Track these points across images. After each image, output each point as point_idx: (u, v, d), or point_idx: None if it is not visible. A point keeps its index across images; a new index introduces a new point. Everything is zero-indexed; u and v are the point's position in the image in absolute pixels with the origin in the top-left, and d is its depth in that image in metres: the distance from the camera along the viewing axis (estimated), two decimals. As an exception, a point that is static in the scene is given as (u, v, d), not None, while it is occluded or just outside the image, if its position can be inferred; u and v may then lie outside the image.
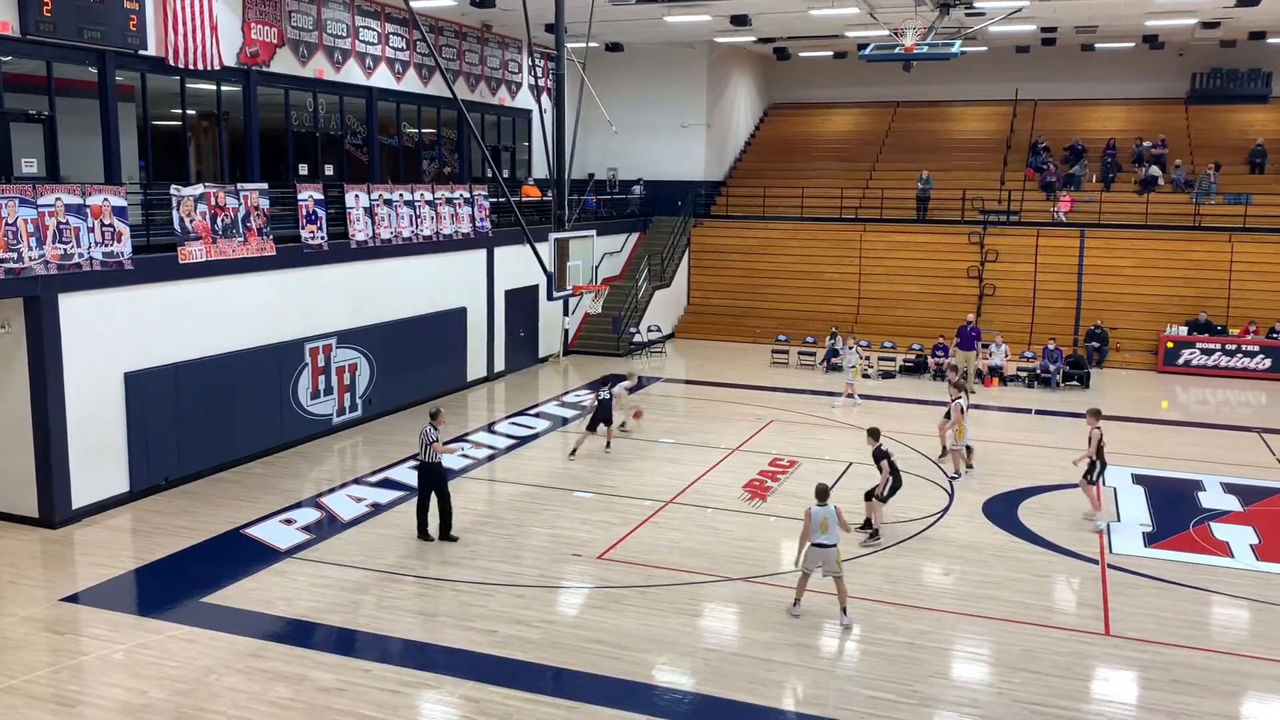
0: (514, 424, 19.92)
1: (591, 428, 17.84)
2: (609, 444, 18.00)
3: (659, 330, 28.87)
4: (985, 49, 31.92)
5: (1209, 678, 9.95)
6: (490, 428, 19.68)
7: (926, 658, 10.32)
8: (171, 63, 16.47)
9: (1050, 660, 10.27)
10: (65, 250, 13.55)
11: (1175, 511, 15.01)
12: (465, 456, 17.49)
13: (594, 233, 18.39)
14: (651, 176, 32.08)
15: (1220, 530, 14.22)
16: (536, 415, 20.70)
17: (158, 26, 16.24)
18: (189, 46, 16.63)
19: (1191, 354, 25.93)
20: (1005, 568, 12.76)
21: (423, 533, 13.50)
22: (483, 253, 23.30)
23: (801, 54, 34.28)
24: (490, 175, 24.70)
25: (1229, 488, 16.15)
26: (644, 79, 31.34)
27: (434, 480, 13.45)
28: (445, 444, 14.18)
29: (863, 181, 32.76)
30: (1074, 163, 31.28)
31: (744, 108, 35.82)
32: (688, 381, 25.25)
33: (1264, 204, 28.30)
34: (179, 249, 15.40)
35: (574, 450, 17.65)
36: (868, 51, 19.95)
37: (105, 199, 14.09)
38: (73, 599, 11.54)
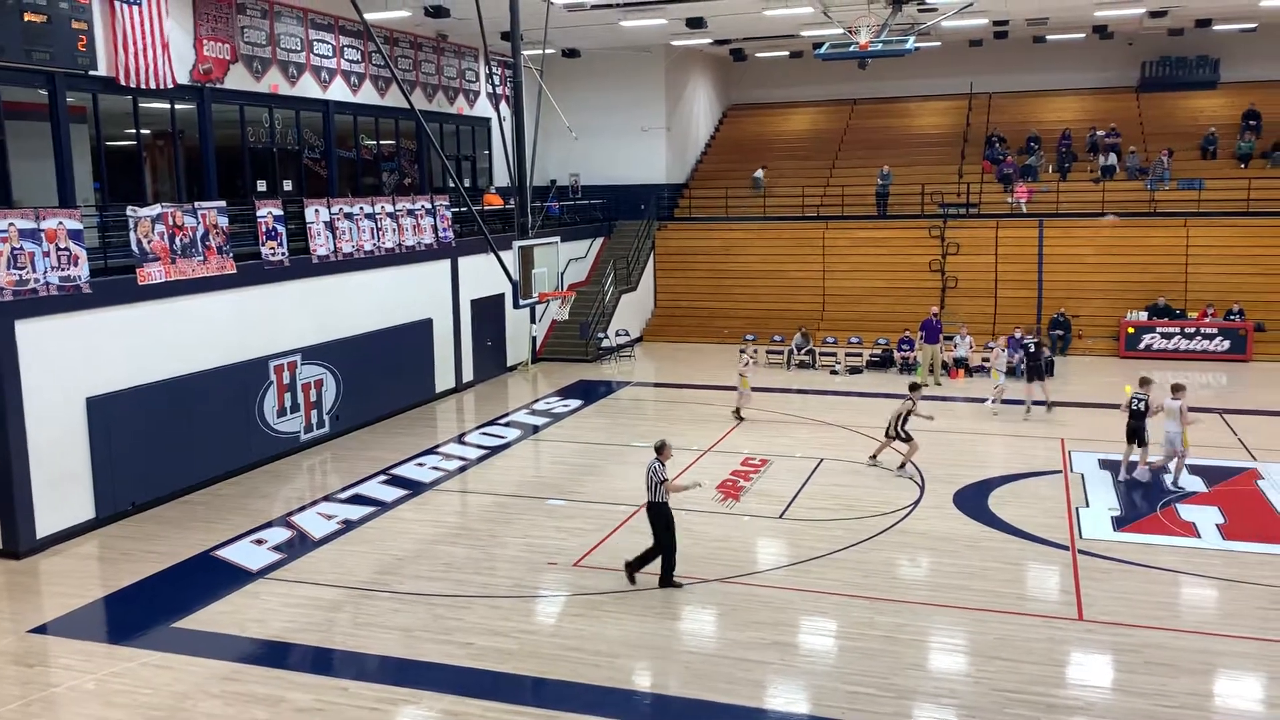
0: (485, 434, 19.84)
1: (898, 436, 16.60)
2: (904, 464, 16.58)
3: (627, 334, 28.88)
4: (939, 44, 32.23)
5: (1181, 658, 10.09)
6: (461, 439, 19.59)
7: (904, 650, 10.39)
8: (123, 82, 16.27)
9: (1025, 647, 10.36)
10: (20, 276, 13.35)
11: (1142, 494, 15.21)
12: (436, 469, 17.41)
13: (558, 239, 18.38)
14: (613, 181, 32.09)
15: (1186, 511, 14.43)
16: (507, 424, 20.63)
17: (108, 46, 16.04)
18: (140, 65, 16.45)
19: (1152, 338, 26.31)
20: (978, 557, 12.86)
21: (632, 569, 12.22)
22: (446, 263, 23.21)
23: (758, 55, 34.44)
24: (451, 185, 24.61)
25: (1193, 469, 16.37)
26: (602, 84, 31.37)
27: (664, 520, 11.98)
28: (676, 481, 12.57)
29: (823, 179, 32.98)
30: (1031, 153, 31.65)
31: (703, 110, 35.95)
32: (657, 384, 25.27)
33: (1216, 188, 28.78)
34: (137, 270, 15.22)
35: (903, 466, 16.55)
36: (823, 50, 20.05)
37: (60, 222, 13.90)
38: (41, 630, 11.34)
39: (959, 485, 15.77)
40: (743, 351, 21.27)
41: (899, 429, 16.55)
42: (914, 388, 17.15)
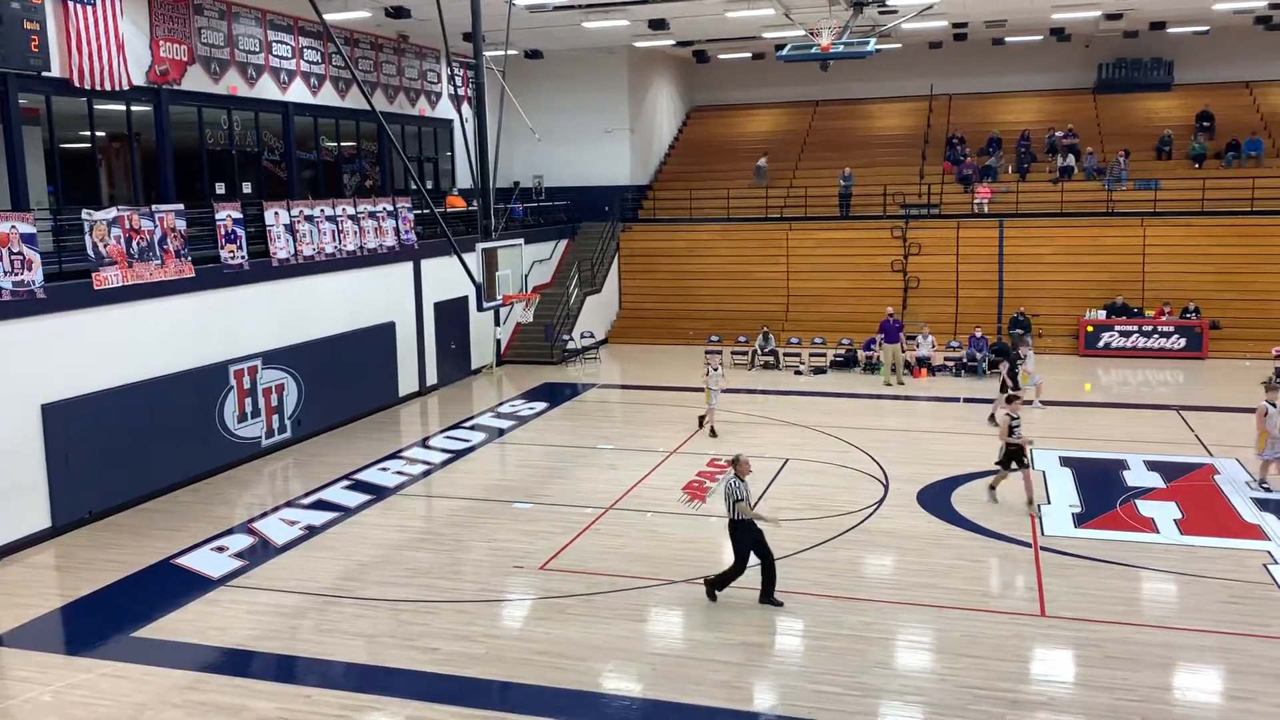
0: (449, 438, 19.72)
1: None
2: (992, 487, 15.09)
3: (592, 336, 28.83)
4: (899, 46, 32.45)
5: (1141, 652, 10.22)
6: (425, 442, 19.45)
7: (870, 649, 10.44)
8: (77, 84, 16.01)
9: (990, 644, 10.45)
10: (-28, 281, 13.09)
11: (1102, 491, 15.40)
12: (400, 474, 17.27)
13: (521, 241, 18.28)
14: (577, 183, 32.04)
15: (1145, 507, 14.62)
16: (472, 428, 20.52)
17: (61, 47, 15.77)
18: (95, 67, 16.19)
19: (1111, 337, 26.68)
20: (942, 555, 12.96)
21: (711, 594, 11.60)
22: (409, 266, 23.05)
23: (721, 56, 34.53)
24: (413, 187, 24.44)
25: (1152, 465, 16.62)
26: (565, 85, 31.31)
27: (750, 538, 11.36)
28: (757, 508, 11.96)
29: (786, 180, 33.11)
30: (990, 154, 31.96)
31: (666, 111, 35.98)
32: (623, 386, 25.25)
33: (1172, 188, 29.23)
34: (93, 275, 14.97)
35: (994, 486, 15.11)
36: (785, 52, 20.13)
37: (13, 226, 13.64)
38: (-5, 642, 11.14)
39: (922, 484, 15.88)
40: (712, 369, 19.29)
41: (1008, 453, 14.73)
42: (1006, 392, 15.58)
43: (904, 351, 24.14)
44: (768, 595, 11.45)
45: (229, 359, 17.61)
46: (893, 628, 10.92)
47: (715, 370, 19.19)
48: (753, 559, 11.43)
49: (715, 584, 11.58)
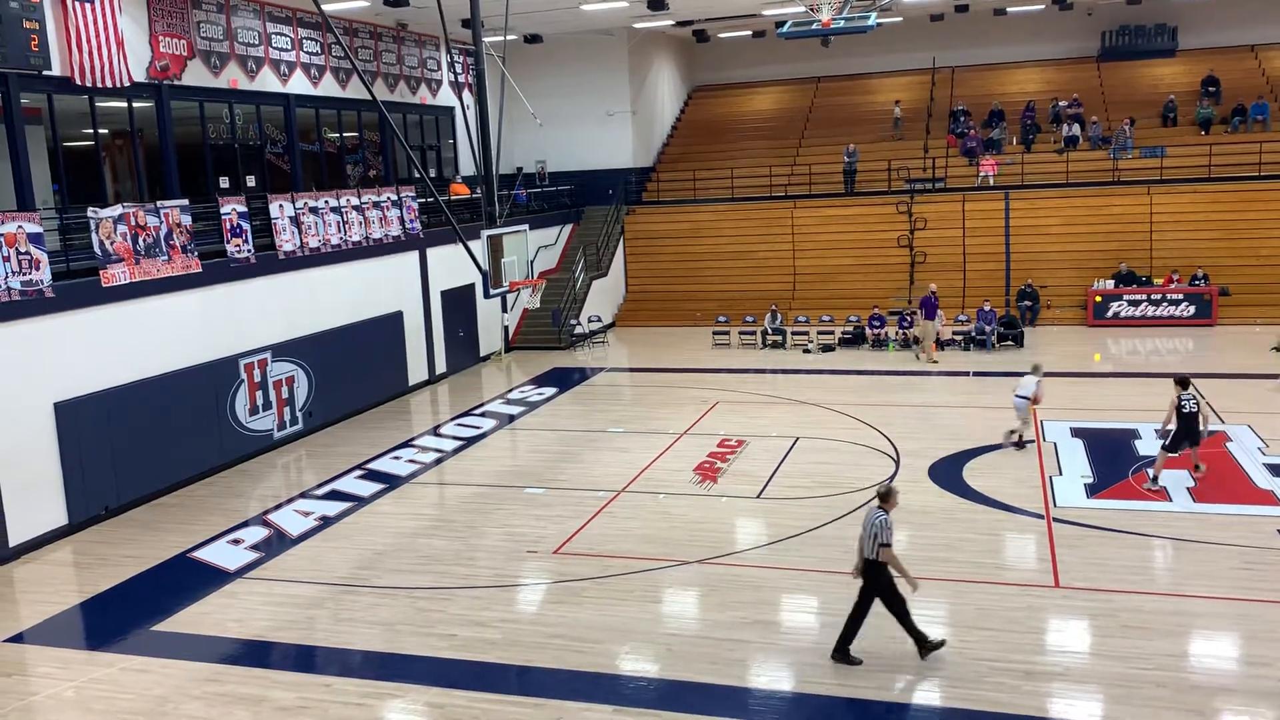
0: (460, 425, 19.77)
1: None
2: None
3: (599, 320, 28.84)
4: (900, 19, 32.25)
5: (1155, 620, 10.23)
6: (436, 430, 19.52)
7: (885, 624, 10.40)
8: (78, 82, 16.01)
9: (1004, 616, 10.48)
10: (-19, 282, 13.15)
11: (1114, 461, 15.38)
12: (412, 462, 17.34)
13: (526, 227, 18.32)
14: (580, 166, 31.98)
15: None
16: (482, 415, 20.57)
17: (61, 45, 15.77)
18: (96, 64, 16.19)
19: (1119, 306, 26.58)
20: (955, 529, 12.98)
21: (841, 652, 9.80)
22: (415, 254, 23.06)
23: (721, 35, 34.35)
24: (417, 175, 24.44)
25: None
26: (566, 69, 31.21)
27: (881, 583, 9.68)
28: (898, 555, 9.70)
29: (790, 158, 32.99)
30: (995, 126, 31.78)
31: (668, 92, 35.85)
32: (632, 369, 25.27)
33: (1177, 155, 29.04)
34: (101, 272, 15.02)
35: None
36: (785, 29, 20.05)
37: (19, 226, 13.68)
38: (17, 639, 11.23)
39: (933, 458, 15.88)
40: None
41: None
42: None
43: (940, 324, 23.69)
44: (842, 649, 9.80)
45: (239, 353, 17.67)
46: (906, 602, 10.91)
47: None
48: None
49: (842, 644, 9.82)
